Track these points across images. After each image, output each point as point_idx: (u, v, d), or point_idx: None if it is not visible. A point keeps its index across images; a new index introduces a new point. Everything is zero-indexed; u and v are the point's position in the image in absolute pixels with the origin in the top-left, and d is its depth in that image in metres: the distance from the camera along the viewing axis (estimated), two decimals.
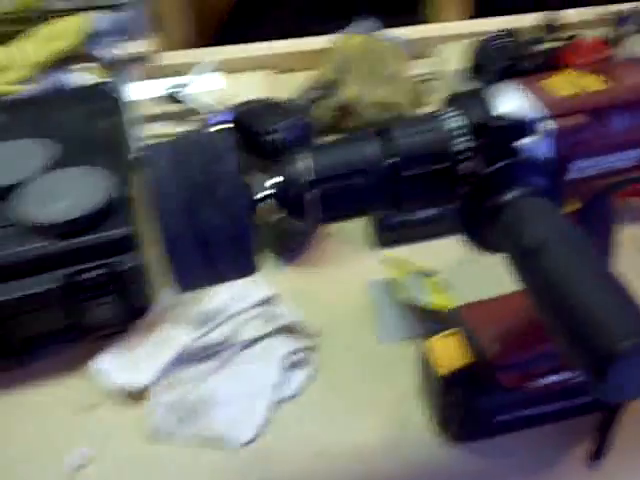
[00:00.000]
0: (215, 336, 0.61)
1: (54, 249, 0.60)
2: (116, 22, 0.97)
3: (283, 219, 0.42)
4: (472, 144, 0.39)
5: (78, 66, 0.96)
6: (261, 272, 0.41)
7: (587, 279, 0.31)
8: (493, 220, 0.37)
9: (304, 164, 0.40)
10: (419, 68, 0.98)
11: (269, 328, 0.62)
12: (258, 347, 0.61)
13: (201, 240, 0.37)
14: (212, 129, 0.89)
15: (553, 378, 0.50)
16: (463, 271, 0.69)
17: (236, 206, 0.37)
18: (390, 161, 0.40)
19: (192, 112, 0.96)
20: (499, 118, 0.38)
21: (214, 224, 0.37)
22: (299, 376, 0.60)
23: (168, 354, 0.60)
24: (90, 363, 0.61)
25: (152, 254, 0.65)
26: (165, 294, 0.66)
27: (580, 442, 0.53)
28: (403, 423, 0.56)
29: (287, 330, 0.62)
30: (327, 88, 0.92)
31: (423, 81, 0.96)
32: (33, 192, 0.64)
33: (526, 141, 0.38)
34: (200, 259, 0.38)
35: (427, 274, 0.66)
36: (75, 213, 0.61)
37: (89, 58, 0.96)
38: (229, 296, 0.64)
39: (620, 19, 0.93)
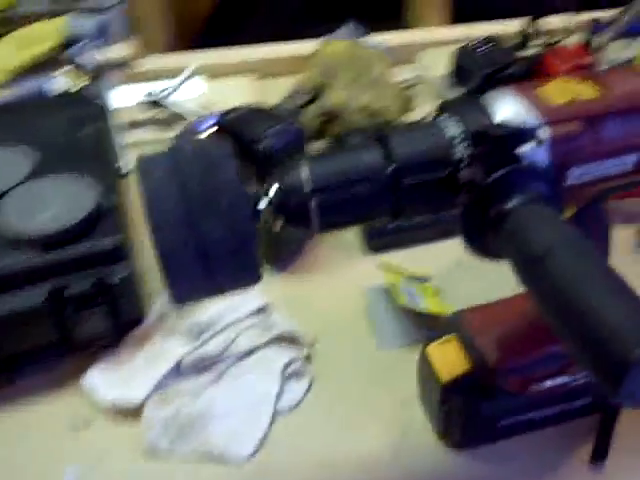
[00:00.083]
0: (210, 348, 0.60)
1: (40, 261, 0.58)
2: (96, 26, 0.96)
3: (276, 226, 0.41)
4: (471, 151, 0.39)
5: (57, 71, 0.94)
6: None
7: (597, 285, 0.31)
8: (496, 228, 0.37)
9: (304, 172, 0.39)
10: (403, 74, 0.98)
11: (265, 338, 0.61)
12: (254, 358, 0.60)
13: (202, 253, 0.36)
14: (201, 135, 0.89)
15: (555, 381, 0.50)
16: (456, 276, 0.69)
17: (239, 216, 0.37)
18: (391, 169, 0.39)
19: (175, 118, 0.94)
20: (500, 126, 0.38)
21: (216, 236, 0.36)
22: (297, 386, 0.59)
23: (162, 367, 0.59)
24: (82, 378, 0.59)
25: (142, 264, 0.64)
26: (156, 305, 0.65)
27: (581, 444, 0.54)
28: (404, 430, 0.56)
29: (283, 339, 0.61)
30: (312, 94, 0.92)
31: (407, 87, 0.96)
32: (16, 202, 0.63)
33: (525, 148, 0.38)
34: (200, 272, 0.37)
35: (421, 280, 0.65)
36: (61, 223, 0.59)
37: (68, 63, 0.94)
38: (223, 306, 0.63)
39: (595, 26, 0.94)
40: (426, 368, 0.54)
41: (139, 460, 0.55)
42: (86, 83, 0.92)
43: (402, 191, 0.39)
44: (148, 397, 0.58)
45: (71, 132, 0.74)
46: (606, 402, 0.53)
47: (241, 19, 1.37)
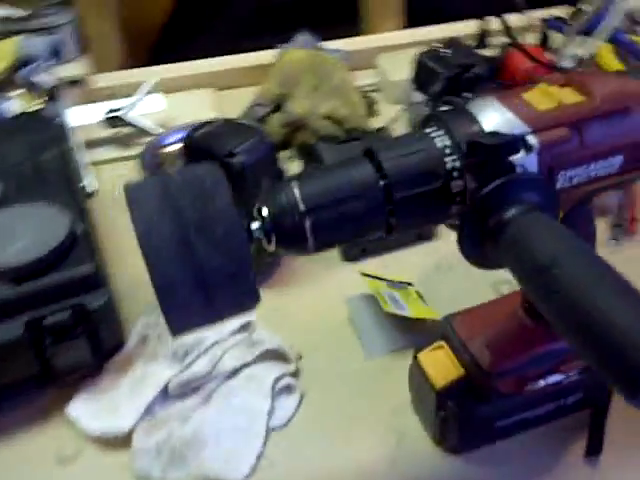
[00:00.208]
0: (196, 369, 0.59)
1: (14, 294, 0.56)
2: (48, 46, 0.93)
3: (269, 249, 0.40)
4: (462, 161, 0.39)
5: (11, 93, 0.91)
6: None
7: (607, 291, 0.32)
8: (495, 238, 0.37)
9: (296, 193, 0.39)
10: (362, 80, 0.99)
11: (251, 355, 0.60)
12: (242, 376, 0.60)
13: (200, 282, 0.36)
14: (165, 150, 0.87)
15: (549, 379, 0.51)
16: (435, 279, 0.69)
17: (235, 243, 0.36)
18: (383, 184, 0.39)
19: (137, 135, 0.93)
20: (493, 135, 0.38)
21: (214, 264, 0.35)
22: (288, 402, 0.59)
23: (149, 393, 0.57)
24: (65, 409, 0.58)
25: (117, 287, 0.63)
26: (136, 329, 0.64)
27: (575, 439, 0.54)
28: (400, 438, 0.56)
29: (269, 356, 0.61)
30: (274, 104, 0.91)
31: (368, 92, 0.97)
32: None
33: (517, 157, 0.38)
34: (199, 302, 0.36)
35: (403, 285, 0.65)
36: (33, 254, 0.57)
37: (22, 84, 0.91)
38: None
39: (550, 23, 0.96)
40: (419, 375, 0.54)
41: None
42: (42, 104, 0.90)
43: (395, 205, 0.39)
44: (136, 424, 0.56)
45: (33, 156, 0.72)
46: (596, 397, 0.54)
47: (193, 32, 1.36)
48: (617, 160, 0.41)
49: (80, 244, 0.60)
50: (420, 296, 0.66)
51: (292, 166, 0.84)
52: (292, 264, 0.72)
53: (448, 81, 0.79)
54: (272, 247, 0.39)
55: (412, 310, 0.62)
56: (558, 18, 0.94)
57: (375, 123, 0.91)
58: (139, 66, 1.07)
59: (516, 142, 0.37)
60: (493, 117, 0.40)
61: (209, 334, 0.61)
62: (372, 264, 0.71)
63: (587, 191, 0.42)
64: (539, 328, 0.51)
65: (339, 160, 0.41)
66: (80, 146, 0.87)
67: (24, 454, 0.56)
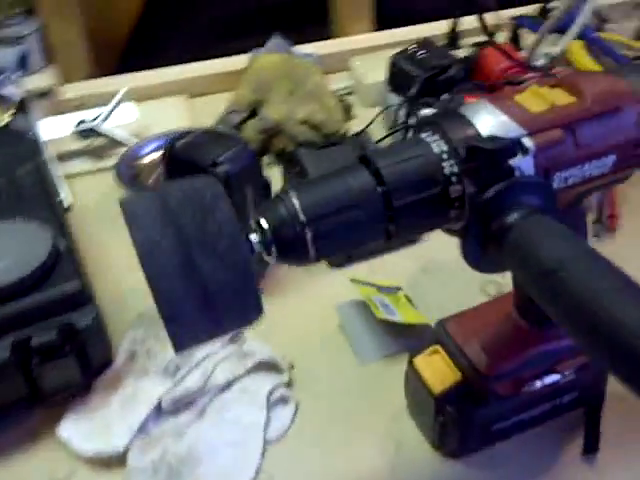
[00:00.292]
0: (188, 384, 0.58)
1: None
2: (16, 57, 0.91)
3: (270, 260, 0.40)
4: (460, 166, 0.39)
5: None
6: None
7: (615, 292, 0.32)
8: (499, 242, 0.37)
9: (296, 203, 0.38)
10: (336, 83, 0.98)
11: (243, 367, 0.59)
12: (236, 389, 0.59)
13: (205, 298, 0.35)
14: (140, 161, 0.86)
15: (545, 380, 0.51)
16: (423, 283, 0.69)
17: (239, 256, 0.35)
18: (382, 191, 0.39)
19: (110, 145, 0.91)
20: (491, 139, 0.38)
21: (218, 279, 0.35)
22: (284, 413, 0.58)
23: (142, 410, 0.56)
24: (55, 430, 0.56)
25: (102, 303, 0.61)
26: (123, 346, 0.63)
27: (572, 438, 0.55)
28: (398, 444, 0.56)
29: (262, 367, 0.60)
30: (249, 110, 0.90)
31: (342, 96, 0.96)
32: None
33: (515, 160, 0.38)
34: (204, 317, 0.35)
35: (392, 290, 0.65)
36: (16, 274, 0.56)
37: None
38: None
39: (519, 22, 0.97)
40: (415, 381, 0.54)
41: None
42: (11, 117, 0.88)
43: (395, 212, 0.39)
44: (131, 443, 0.55)
45: (8, 171, 0.70)
46: (590, 396, 0.54)
47: (161, 39, 1.34)
48: (610, 159, 0.42)
49: (63, 261, 0.59)
50: (409, 300, 0.66)
51: (271, 172, 0.83)
52: (276, 273, 0.71)
53: (424, 83, 0.80)
54: (273, 259, 0.39)
55: (402, 315, 0.62)
56: (528, 16, 0.95)
57: (351, 127, 0.91)
58: (108, 75, 1.05)
59: (514, 145, 0.37)
60: (488, 120, 0.40)
61: (200, 348, 0.60)
62: (358, 270, 0.71)
63: (581, 191, 0.43)
64: (534, 329, 0.51)
65: (334, 168, 0.41)
66: (52, 159, 0.86)
67: (17, 477, 0.55)
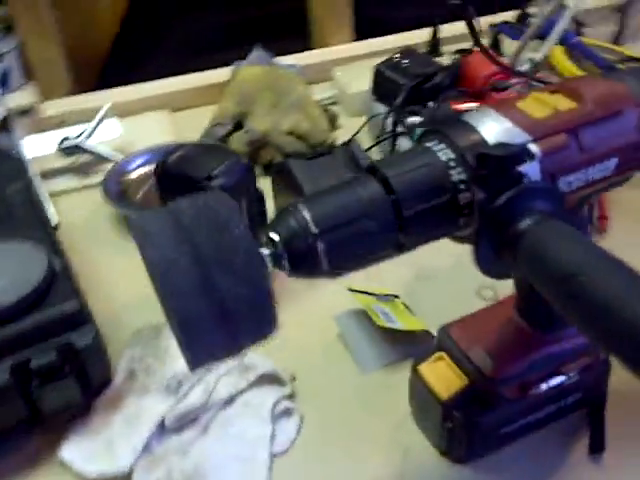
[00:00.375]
0: (191, 400, 0.57)
1: None
2: None
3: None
4: (469, 173, 0.39)
5: None
6: None
7: (636, 293, 0.32)
8: (514, 248, 0.37)
9: (307, 216, 0.38)
10: (319, 93, 0.99)
11: (245, 381, 0.59)
12: (238, 404, 0.58)
13: (222, 315, 0.35)
14: (128, 177, 0.85)
15: (551, 381, 0.51)
16: (418, 290, 0.69)
17: (255, 272, 0.35)
18: (392, 201, 0.39)
19: (96, 162, 0.90)
20: (501, 146, 0.38)
21: (235, 296, 0.34)
22: (289, 425, 0.58)
23: (145, 429, 0.56)
24: (56, 452, 0.55)
25: (98, 323, 0.61)
26: (122, 364, 0.62)
27: (577, 439, 0.55)
28: (405, 452, 0.55)
29: (264, 380, 0.59)
30: (234, 123, 0.90)
31: (326, 106, 0.97)
32: None
33: (524, 167, 0.39)
34: (221, 334, 0.35)
35: (390, 298, 0.65)
36: (12, 295, 0.55)
37: None
38: None
39: (499, 29, 0.98)
40: (421, 388, 0.54)
41: None
42: None
43: (405, 221, 0.39)
44: (135, 463, 0.54)
45: None
46: (593, 396, 0.55)
47: (141, 54, 1.33)
48: (612, 162, 0.42)
49: (60, 280, 0.58)
50: (407, 307, 0.66)
51: (259, 184, 0.83)
52: (273, 285, 0.71)
53: (410, 91, 0.80)
54: (285, 272, 0.38)
55: (403, 323, 0.62)
56: (507, 23, 0.96)
57: (337, 136, 0.91)
58: (88, 91, 1.05)
59: (523, 152, 0.38)
60: (493, 127, 0.40)
61: None
62: (354, 279, 0.71)
63: (584, 194, 0.43)
64: (537, 332, 0.52)
65: (342, 180, 0.41)
66: (37, 177, 0.85)
67: None
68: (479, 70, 0.81)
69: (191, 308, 0.34)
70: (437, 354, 0.54)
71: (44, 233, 0.64)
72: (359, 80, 0.95)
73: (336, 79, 0.99)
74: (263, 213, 0.69)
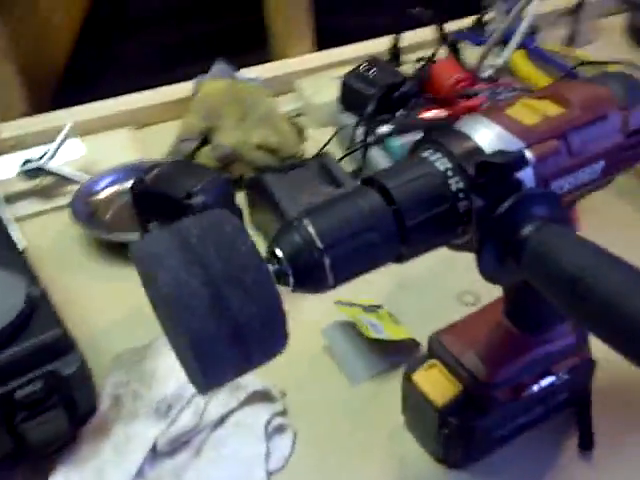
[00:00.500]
0: (182, 423, 0.56)
1: None
2: None
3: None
4: (465, 182, 0.40)
5: None
6: None
7: None
8: (517, 254, 0.38)
9: (311, 230, 0.38)
10: (284, 105, 0.98)
11: (236, 401, 0.58)
12: (230, 423, 0.57)
13: (235, 334, 0.34)
14: (95, 197, 0.83)
15: (542, 382, 0.52)
16: (402, 298, 0.70)
17: (266, 288, 0.35)
18: (394, 213, 0.39)
19: (57, 185, 0.88)
20: (499, 154, 0.39)
21: (248, 314, 0.34)
22: (283, 442, 0.57)
23: (137, 455, 0.54)
24: None
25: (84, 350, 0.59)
26: (106, 390, 0.60)
27: (566, 437, 0.56)
28: (401, 462, 0.56)
29: (255, 398, 0.59)
30: (201, 138, 0.89)
31: (292, 117, 0.96)
32: None
33: (521, 173, 0.39)
34: (234, 354, 0.35)
35: (374, 309, 0.66)
36: None
37: None
38: (182, 377, 0.59)
39: (457, 36, 1.00)
40: (415, 396, 0.54)
41: None
42: None
43: (407, 231, 0.39)
44: None
45: None
46: (578, 395, 0.56)
47: (95, 73, 1.30)
48: (600, 165, 0.43)
49: (41, 308, 0.57)
50: (392, 317, 0.66)
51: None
52: None
53: (379, 100, 0.81)
54: (289, 288, 0.38)
55: (389, 332, 0.63)
56: (466, 30, 0.98)
57: (306, 148, 0.91)
58: (44, 112, 1.02)
59: (521, 158, 0.38)
60: (487, 135, 0.41)
61: (189, 385, 0.59)
62: (339, 291, 0.71)
63: (573, 197, 0.44)
64: (526, 335, 0.52)
65: (340, 193, 0.41)
66: (0, 202, 0.82)
67: None
68: (445, 77, 0.82)
69: (205, 330, 0.33)
70: (430, 362, 0.54)
71: (19, 260, 0.62)
72: (323, 91, 0.95)
73: (300, 90, 0.99)
74: None
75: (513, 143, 0.40)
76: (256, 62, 1.07)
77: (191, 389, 0.59)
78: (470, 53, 0.94)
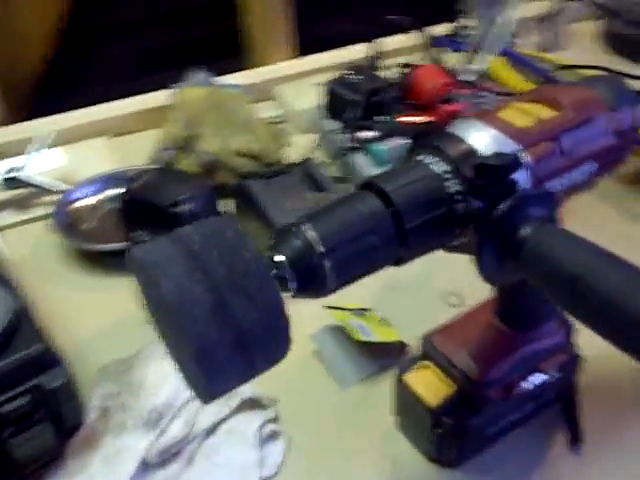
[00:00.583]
0: (173, 433, 0.55)
1: None
2: None
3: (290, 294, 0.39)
4: (462, 184, 0.40)
5: None
6: None
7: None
8: (516, 255, 0.38)
9: (312, 235, 0.38)
10: (264, 112, 0.98)
11: (227, 409, 0.57)
12: (222, 432, 0.57)
13: (239, 340, 0.34)
14: (77, 206, 0.82)
15: (532, 380, 0.53)
16: (391, 301, 0.70)
17: (269, 293, 0.35)
18: (393, 216, 0.39)
19: (36, 195, 0.87)
20: (497, 156, 0.39)
21: (252, 319, 0.34)
22: (275, 448, 0.57)
23: (128, 467, 0.53)
24: None
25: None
26: (93, 402, 0.59)
27: (555, 432, 0.57)
28: (394, 462, 0.56)
29: (246, 405, 0.58)
30: (181, 146, 0.89)
31: (273, 124, 0.96)
32: None
33: (517, 175, 0.40)
34: (238, 361, 0.34)
35: (363, 312, 0.66)
36: None
37: None
38: (172, 387, 0.58)
39: (435, 42, 1.00)
40: (408, 398, 0.54)
41: None
42: None
43: (407, 234, 0.39)
44: None
45: None
46: (565, 391, 0.57)
47: (72, 82, 1.29)
48: (590, 166, 0.44)
49: (24, 322, 0.56)
50: (381, 319, 0.66)
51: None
52: None
53: (365, 106, 0.81)
54: (291, 293, 0.38)
55: (378, 335, 0.63)
56: (444, 36, 0.99)
57: (289, 155, 0.90)
58: (22, 120, 1.01)
59: (518, 160, 0.38)
60: (483, 138, 0.41)
61: (178, 394, 0.58)
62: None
63: (565, 197, 0.45)
64: (517, 333, 0.53)
65: (339, 197, 0.41)
66: None
67: None
68: (426, 83, 0.82)
69: (208, 336, 0.33)
70: (422, 363, 0.54)
71: (1, 272, 0.61)
72: (304, 97, 0.95)
73: (280, 97, 0.99)
74: None
75: (509, 145, 0.41)
76: (232, 70, 1.07)
77: (181, 398, 0.58)
78: (448, 59, 0.95)
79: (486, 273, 0.40)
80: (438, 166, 0.40)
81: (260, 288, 0.34)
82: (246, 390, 0.59)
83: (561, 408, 0.58)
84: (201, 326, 0.32)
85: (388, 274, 0.72)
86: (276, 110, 0.99)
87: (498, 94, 0.78)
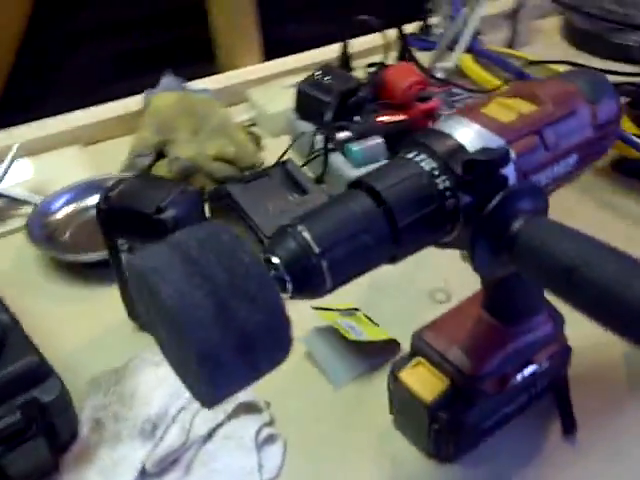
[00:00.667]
0: (170, 442, 0.55)
1: None
2: None
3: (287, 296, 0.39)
4: (452, 180, 0.40)
5: None
6: None
7: (635, 276, 0.34)
8: (510, 249, 0.39)
9: (307, 236, 0.38)
10: (237, 115, 0.98)
11: (223, 414, 0.57)
12: (219, 437, 0.57)
13: (241, 344, 0.34)
14: (52, 218, 0.81)
15: (526, 372, 0.54)
16: (374, 299, 0.70)
17: (270, 295, 0.35)
18: (386, 214, 0.39)
19: (7, 208, 0.85)
20: (484, 152, 0.40)
21: (254, 322, 0.34)
22: (274, 452, 0.57)
23: (127, 478, 0.53)
24: None
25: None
26: (86, 413, 0.59)
27: (549, 422, 0.58)
28: (393, 459, 0.56)
29: (242, 410, 0.58)
30: (155, 153, 0.88)
31: (246, 127, 0.96)
32: None
33: (505, 170, 0.40)
34: (240, 363, 0.34)
35: (351, 312, 0.66)
36: None
37: None
38: (166, 395, 0.58)
39: (407, 40, 1.01)
40: (403, 395, 0.54)
41: None
42: None
43: (399, 232, 0.40)
44: None
45: None
46: (556, 381, 0.58)
47: (34, 95, 1.26)
48: (573, 159, 0.45)
49: (12, 335, 0.55)
50: (369, 319, 0.67)
51: None
52: None
53: (337, 106, 0.81)
54: (288, 294, 0.38)
55: (368, 334, 0.63)
56: (413, 35, 1.00)
57: (264, 158, 0.90)
58: None
59: (506, 155, 0.39)
60: (468, 134, 0.42)
61: (172, 402, 0.58)
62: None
63: (549, 190, 0.46)
64: (507, 326, 0.54)
65: (331, 197, 0.41)
66: None
67: None
68: (399, 82, 0.83)
69: (211, 340, 0.33)
70: (415, 359, 0.55)
71: None
72: (276, 100, 0.96)
73: (252, 100, 0.99)
74: None
75: (493, 141, 0.42)
76: (203, 74, 1.06)
77: (175, 406, 0.58)
78: (418, 57, 0.96)
79: (482, 268, 0.40)
80: (427, 163, 0.41)
81: (261, 289, 0.34)
82: (240, 395, 0.59)
83: (554, 398, 0.59)
84: (204, 331, 0.32)
85: (373, 274, 0.73)
86: (249, 113, 0.99)
87: (471, 91, 0.80)
